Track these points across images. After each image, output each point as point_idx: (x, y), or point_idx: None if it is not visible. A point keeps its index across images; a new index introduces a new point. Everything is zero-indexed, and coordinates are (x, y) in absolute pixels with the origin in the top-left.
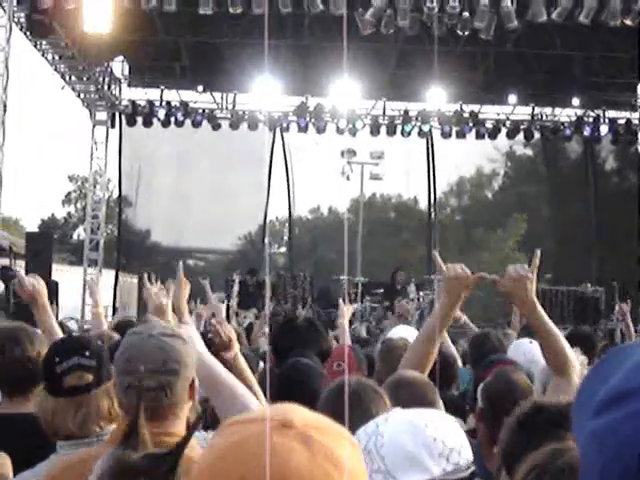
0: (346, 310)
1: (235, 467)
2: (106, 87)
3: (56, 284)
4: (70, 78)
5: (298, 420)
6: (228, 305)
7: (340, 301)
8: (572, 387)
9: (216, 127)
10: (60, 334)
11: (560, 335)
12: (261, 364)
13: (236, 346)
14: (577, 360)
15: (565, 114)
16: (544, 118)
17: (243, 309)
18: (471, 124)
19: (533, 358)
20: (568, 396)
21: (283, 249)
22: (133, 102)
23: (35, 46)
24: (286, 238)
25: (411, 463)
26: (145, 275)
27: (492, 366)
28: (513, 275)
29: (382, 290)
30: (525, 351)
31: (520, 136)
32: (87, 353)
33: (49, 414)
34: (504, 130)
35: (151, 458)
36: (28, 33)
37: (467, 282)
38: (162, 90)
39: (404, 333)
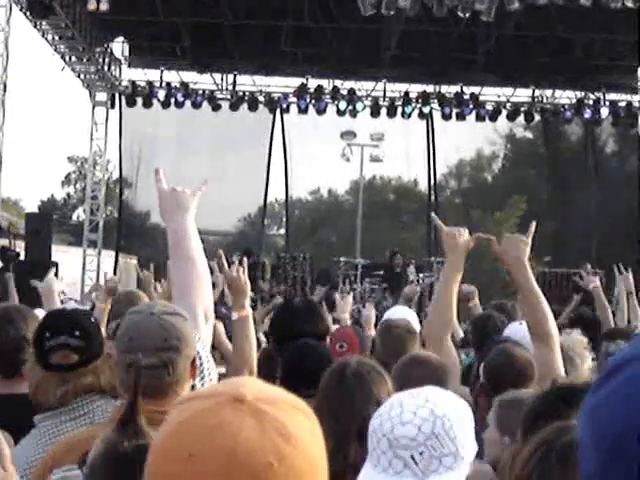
0: (344, 304)
1: (184, 444)
2: (106, 68)
3: (56, 265)
4: (70, 59)
5: (250, 394)
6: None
7: (337, 296)
8: (554, 355)
9: (216, 108)
10: None
11: (544, 300)
12: (262, 338)
13: (247, 308)
14: (579, 340)
15: (565, 96)
16: (544, 100)
17: None
18: (471, 106)
19: (522, 339)
20: (550, 364)
21: (283, 231)
22: (133, 83)
23: (35, 26)
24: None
25: (472, 439)
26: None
27: (496, 346)
28: (509, 236)
29: (382, 272)
30: (515, 332)
31: (520, 118)
32: (77, 333)
33: (34, 383)
34: (504, 112)
35: (143, 450)
36: (28, 13)
37: (465, 239)
38: (162, 71)
39: (402, 314)
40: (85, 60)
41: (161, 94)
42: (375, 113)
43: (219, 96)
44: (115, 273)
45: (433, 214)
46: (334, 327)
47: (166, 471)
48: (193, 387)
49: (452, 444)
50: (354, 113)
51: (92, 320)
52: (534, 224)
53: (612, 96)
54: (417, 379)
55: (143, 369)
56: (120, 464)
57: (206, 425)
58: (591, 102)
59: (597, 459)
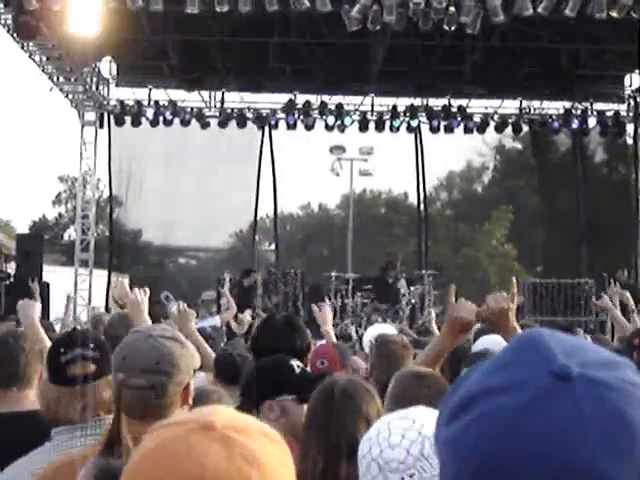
0: (323, 316)
1: (153, 471)
2: (94, 87)
3: (47, 285)
4: (58, 79)
5: (219, 421)
6: (219, 304)
7: (314, 307)
8: None
9: (205, 126)
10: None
11: None
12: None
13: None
14: None
15: (553, 107)
16: (532, 111)
17: (240, 311)
18: (459, 118)
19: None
20: None
21: (274, 246)
22: (121, 102)
23: (22, 48)
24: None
25: None
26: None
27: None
28: (494, 307)
29: (371, 286)
30: (487, 343)
31: (509, 130)
32: (91, 345)
33: (52, 402)
34: (492, 124)
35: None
36: (15, 35)
37: (469, 325)
38: (150, 89)
39: (381, 331)
40: (73, 80)
41: (149, 113)
42: (363, 127)
43: (207, 114)
44: (108, 292)
45: (453, 286)
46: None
47: None
48: None
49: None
50: (342, 128)
51: (102, 337)
52: (515, 281)
53: (599, 106)
54: (425, 392)
55: (132, 389)
56: None
57: (175, 452)
58: (579, 112)
59: None
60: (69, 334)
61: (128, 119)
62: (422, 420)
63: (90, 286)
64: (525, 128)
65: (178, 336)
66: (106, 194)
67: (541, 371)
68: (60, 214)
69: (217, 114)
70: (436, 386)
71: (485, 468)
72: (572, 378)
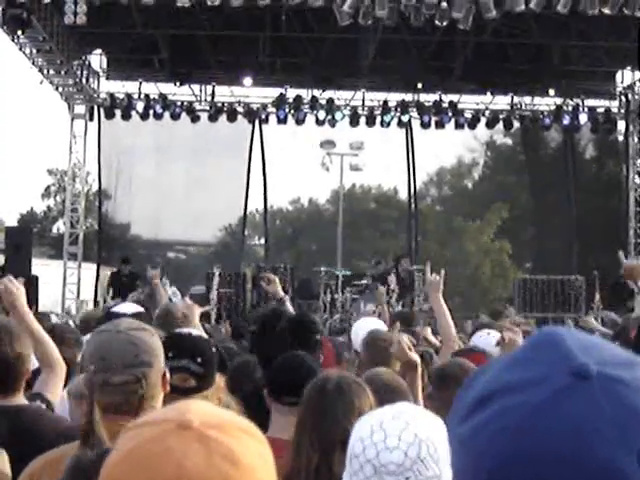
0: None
1: (131, 474)
2: (84, 80)
3: (36, 278)
4: (48, 72)
5: (196, 419)
6: (208, 299)
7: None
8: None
9: (195, 119)
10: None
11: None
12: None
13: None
14: None
15: (544, 103)
16: (523, 107)
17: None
18: (450, 114)
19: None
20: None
21: (263, 240)
22: (111, 95)
23: (12, 40)
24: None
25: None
26: None
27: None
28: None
29: (365, 281)
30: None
31: (499, 126)
32: (199, 359)
33: None
34: (483, 120)
35: (102, 453)
36: (5, 27)
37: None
38: (140, 83)
39: (369, 326)
40: (63, 73)
41: (139, 106)
42: (354, 122)
43: (198, 107)
44: (96, 286)
45: (428, 268)
46: None
47: None
48: None
49: (436, 467)
50: (333, 123)
51: (213, 349)
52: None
53: (591, 102)
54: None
55: (117, 386)
56: (83, 473)
57: (152, 454)
58: (570, 108)
59: None
60: (180, 339)
61: (118, 112)
62: (415, 421)
63: (79, 280)
64: (516, 124)
65: (144, 325)
66: (95, 187)
67: (560, 369)
68: (49, 207)
69: (207, 108)
70: (385, 395)
71: (503, 464)
72: (591, 376)
